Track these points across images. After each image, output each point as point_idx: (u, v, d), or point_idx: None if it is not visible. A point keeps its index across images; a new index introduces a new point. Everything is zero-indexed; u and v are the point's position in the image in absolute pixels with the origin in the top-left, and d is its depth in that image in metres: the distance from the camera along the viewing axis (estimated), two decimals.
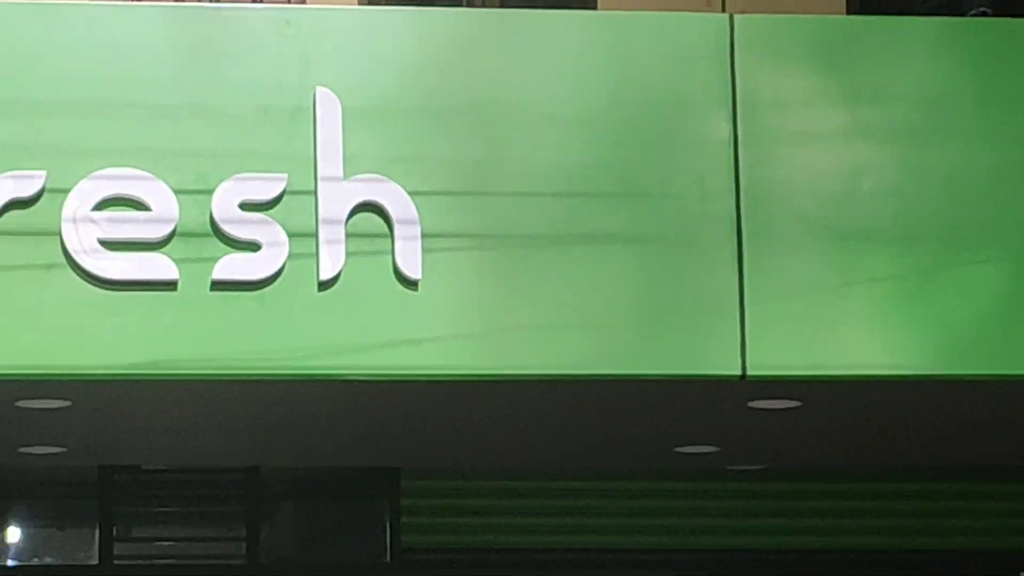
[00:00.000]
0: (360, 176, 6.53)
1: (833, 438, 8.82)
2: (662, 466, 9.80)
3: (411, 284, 6.47)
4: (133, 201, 6.41)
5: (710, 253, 6.74)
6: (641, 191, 6.78)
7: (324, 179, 6.53)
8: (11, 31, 6.71)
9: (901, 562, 10.34)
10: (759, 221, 6.72)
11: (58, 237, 6.32)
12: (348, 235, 6.48)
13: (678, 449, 9.02)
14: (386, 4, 9.60)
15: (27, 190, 6.34)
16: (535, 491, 10.12)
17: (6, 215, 6.33)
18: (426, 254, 6.48)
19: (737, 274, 6.64)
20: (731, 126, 6.74)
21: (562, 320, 6.66)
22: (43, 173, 6.35)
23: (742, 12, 8.69)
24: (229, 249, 6.42)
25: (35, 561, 10.33)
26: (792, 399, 7.22)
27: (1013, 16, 8.67)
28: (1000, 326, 6.81)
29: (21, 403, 7.02)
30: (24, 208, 6.36)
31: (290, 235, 6.43)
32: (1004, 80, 7.25)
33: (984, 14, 8.65)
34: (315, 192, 6.50)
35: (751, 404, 7.30)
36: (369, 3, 9.82)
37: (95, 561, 9.80)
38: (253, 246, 6.40)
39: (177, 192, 6.38)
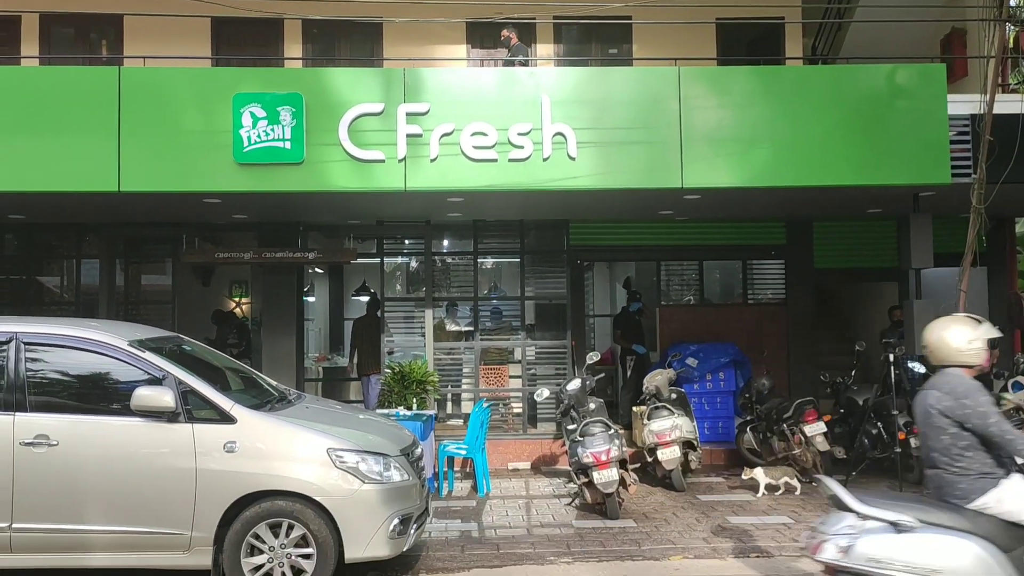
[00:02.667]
0: (556, 123, 8.56)
1: (712, 206, 10.04)
2: (653, 218, 11.22)
3: (572, 159, 8.56)
4: (482, 132, 8.53)
5: (673, 148, 8.59)
6: (648, 127, 8.57)
7: (544, 124, 8.54)
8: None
9: (728, 250, 11.91)
10: (689, 135, 8.58)
11: (458, 145, 8.50)
12: (553, 142, 8.52)
13: (659, 212, 10.69)
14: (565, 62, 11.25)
15: (449, 130, 8.49)
16: (613, 226, 11.66)
17: (442, 139, 8.46)
18: (579, 148, 8.55)
19: (680, 153, 8.57)
20: (679, 106, 8.59)
21: (621, 168, 8.55)
22: (452, 124, 8.50)
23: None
24: (512, 148, 8.53)
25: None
26: (697, 194, 9.06)
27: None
28: (780, 168, 8.58)
29: (448, 199, 9.24)
30: (448, 136, 8.49)
31: (534, 143, 8.52)
32: (794, 86, 8.78)
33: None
34: (541, 128, 8.53)
35: (685, 196, 9.18)
36: (558, 64, 11.36)
37: (471, 249, 11.58)
38: (521, 147, 8.52)
39: (497, 129, 8.52)
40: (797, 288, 11.89)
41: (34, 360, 5.97)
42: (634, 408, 10.70)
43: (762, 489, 9.04)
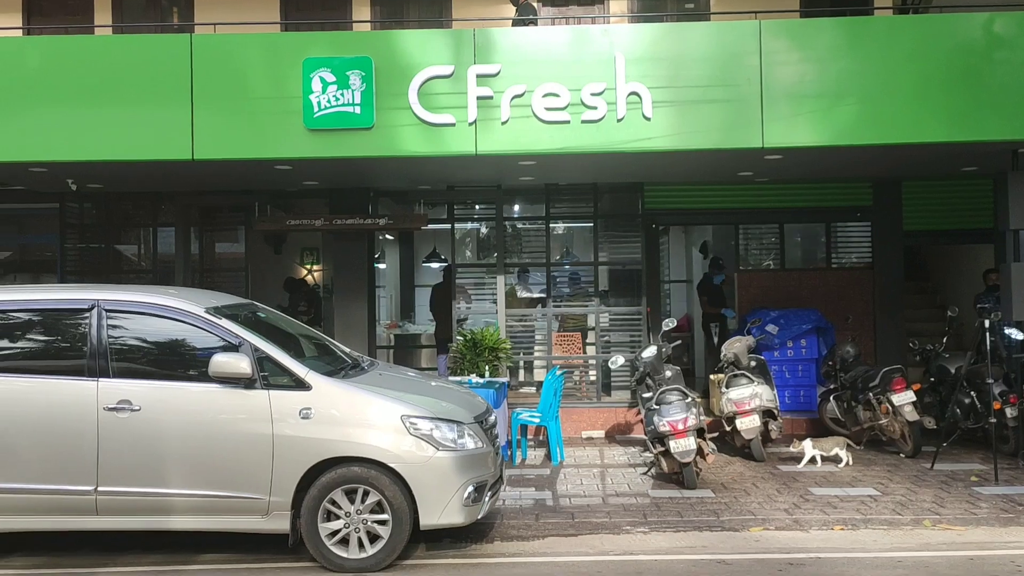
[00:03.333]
0: (631, 83, 8.41)
1: (794, 166, 9.75)
2: (731, 179, 10.93)
3: (648, 119, 8.40)
4: (554, 93, 8.42)
5: (753, 106, 8.39)
6: (727, 84, 8.38)
7: (618, 83, 8.38)
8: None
9: (810, 212, 11.58)
10: (770, 92, 8.37)
11: (530, 106, 8.39)
12: (627, 102, 8.37)
13: (738, 173, 10.43)
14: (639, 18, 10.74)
15: (520, 91, 8.37)
16: (690, 189, 11.49)
17: (514, 101, 8.39)
18: (654, 108, 8.39)
19: (760, 111, 8.36)
20: (759, 61, 8.36)
21: (698, 128, 8.40)
22: (524, 85, 8.38)
23: None
24: (585, 109, 8.39)
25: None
26: (779, 154, 8.82)
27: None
28: (867, 125, 8.33)
29: (520, 163, 9.14)
30: (520, 97, 8.40)
31: (607, 104, 8.37)
32: (882, 38, 8.48)
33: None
34: (615, 88, 8.37)
35: (765, 156, 8.93)
36: (632, 21, 10.87)
37: (543, 214, 11.44)
38: (595, 108, 8.39)
39: (570, 90, 8.37)
40: (884, 251, 11.50)
41: (115, 327, 6.14)
42: (711, 376, 10.57)
43: (806, 460, 8.89)
